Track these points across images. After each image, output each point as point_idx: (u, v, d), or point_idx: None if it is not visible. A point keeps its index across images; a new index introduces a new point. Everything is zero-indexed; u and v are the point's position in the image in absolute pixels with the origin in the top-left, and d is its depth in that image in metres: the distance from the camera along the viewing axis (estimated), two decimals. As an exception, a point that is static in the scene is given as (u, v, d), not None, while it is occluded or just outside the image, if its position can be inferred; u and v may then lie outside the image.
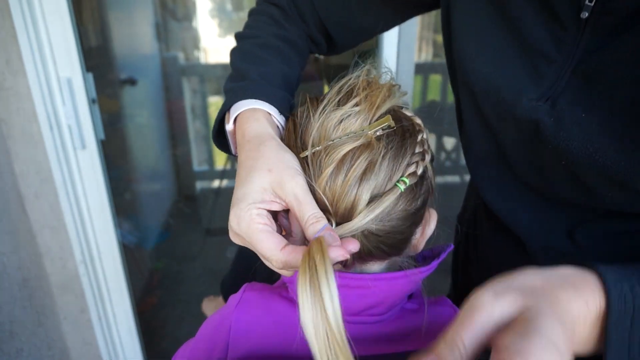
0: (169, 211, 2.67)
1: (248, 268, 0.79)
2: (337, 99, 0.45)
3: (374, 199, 0.41)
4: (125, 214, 2.01)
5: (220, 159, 2.93)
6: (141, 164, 2.42)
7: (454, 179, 2.70)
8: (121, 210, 1.45)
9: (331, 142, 0.43)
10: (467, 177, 2.73)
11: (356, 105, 0.44)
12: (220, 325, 0.47)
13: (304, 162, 0.43)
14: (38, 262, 1.25)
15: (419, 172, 0.44)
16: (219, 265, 2.24)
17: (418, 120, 0.48)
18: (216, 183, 2.88)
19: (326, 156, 0.42)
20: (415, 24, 1.16)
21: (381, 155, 0.42)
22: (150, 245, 2.26)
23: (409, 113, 0.49)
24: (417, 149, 0.45)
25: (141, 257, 2.11)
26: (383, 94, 0.45)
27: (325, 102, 0.45)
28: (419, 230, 0.48)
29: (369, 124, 0.44)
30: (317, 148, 0.43)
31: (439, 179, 2.66)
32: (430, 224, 0.49)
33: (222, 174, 2.73)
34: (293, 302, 0.47)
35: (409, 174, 0.43)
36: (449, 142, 2.43)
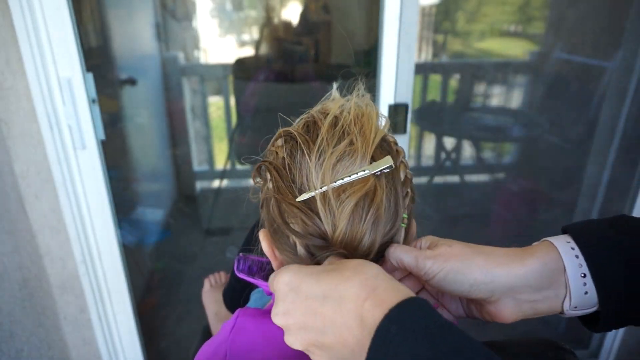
0: (169, 211, 2.67)
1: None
2: (331, 138, 0.44)
3: (385, 240, 0.44)
4: (125, 214, 2.01)
5: (220, 159, 2.93)
6: (141, 164, 2.42)
7: (453, 179, 2.70)
8: (121, 210, 1.44)
9: (335, 183, 0.43)
10: (467, 177, 2.74)
11: (351, 143, 0.44)
12: (216, 353, 0.48)
13: (304, 205, 0.43)
14: (38, 262, 1.25)
15: (413, 199, 0.47)
16: (219, 266, 2.23)
17: (393, 139, 0.49)
18: (216, 183, 2.87)
19: (339, 204, 0.42)
20: (415, 23, 1.15)
21: (385, 195, 0.43)
22: (150, 245, 2.26)
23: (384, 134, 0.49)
24: (402, 175, 0.46)
25: (141, 257, 2.11)
26: (374, 127, 0.46)
27: (319, 141, 0.44)
28: None
29: (368, 162, 0.44)
30: (323, 189, 0.43)
31: (439, 179, 2.67)
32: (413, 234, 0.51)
33: (222, 174, 2.73)
34: None
35: (405, 208, 0.46)
36: (449, 142, 2.42)
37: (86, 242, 1.29)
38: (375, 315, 0.31)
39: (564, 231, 0.43)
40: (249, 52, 2.75)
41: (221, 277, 1.35)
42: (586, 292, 0.39)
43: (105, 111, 1.28)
